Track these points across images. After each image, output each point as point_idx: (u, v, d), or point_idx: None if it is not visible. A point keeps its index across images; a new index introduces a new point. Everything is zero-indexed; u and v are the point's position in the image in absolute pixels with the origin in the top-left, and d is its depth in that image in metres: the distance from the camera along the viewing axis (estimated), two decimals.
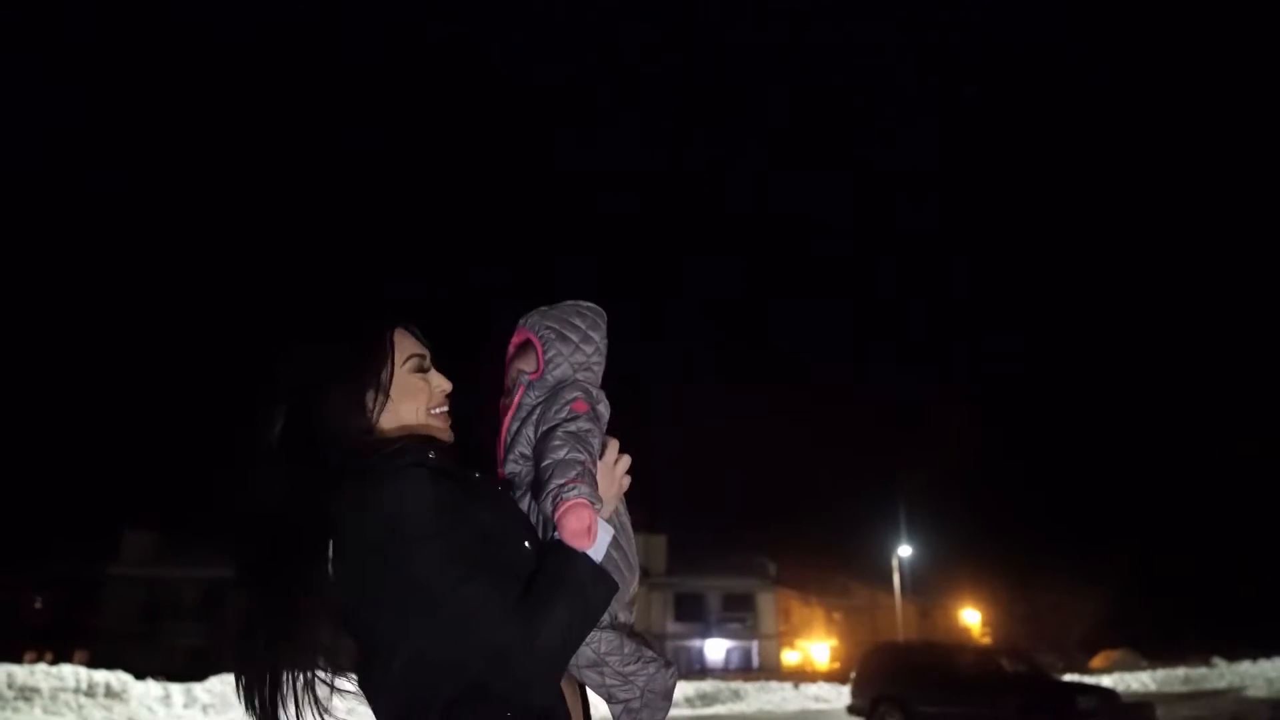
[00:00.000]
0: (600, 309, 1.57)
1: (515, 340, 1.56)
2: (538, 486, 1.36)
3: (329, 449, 1.34)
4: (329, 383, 1.38)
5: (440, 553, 1.24)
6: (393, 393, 1.41)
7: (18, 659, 15.95)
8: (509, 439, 1.48)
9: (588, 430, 1.41)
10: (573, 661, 1.36)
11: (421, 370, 1.47)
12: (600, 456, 1.43)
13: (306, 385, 1.38)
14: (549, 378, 1.48)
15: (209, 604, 38.53)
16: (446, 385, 1.50)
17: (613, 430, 1.50)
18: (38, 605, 42.55)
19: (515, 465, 1.47)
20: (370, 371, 1.40)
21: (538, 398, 1.48)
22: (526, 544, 1.38)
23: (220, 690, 15.60)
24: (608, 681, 1.39)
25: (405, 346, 1.46)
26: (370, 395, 1.40)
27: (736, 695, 23.67)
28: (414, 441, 1.38)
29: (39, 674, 14.03)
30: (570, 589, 1.29)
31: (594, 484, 1.35)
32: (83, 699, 14.08)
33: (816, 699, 24.05)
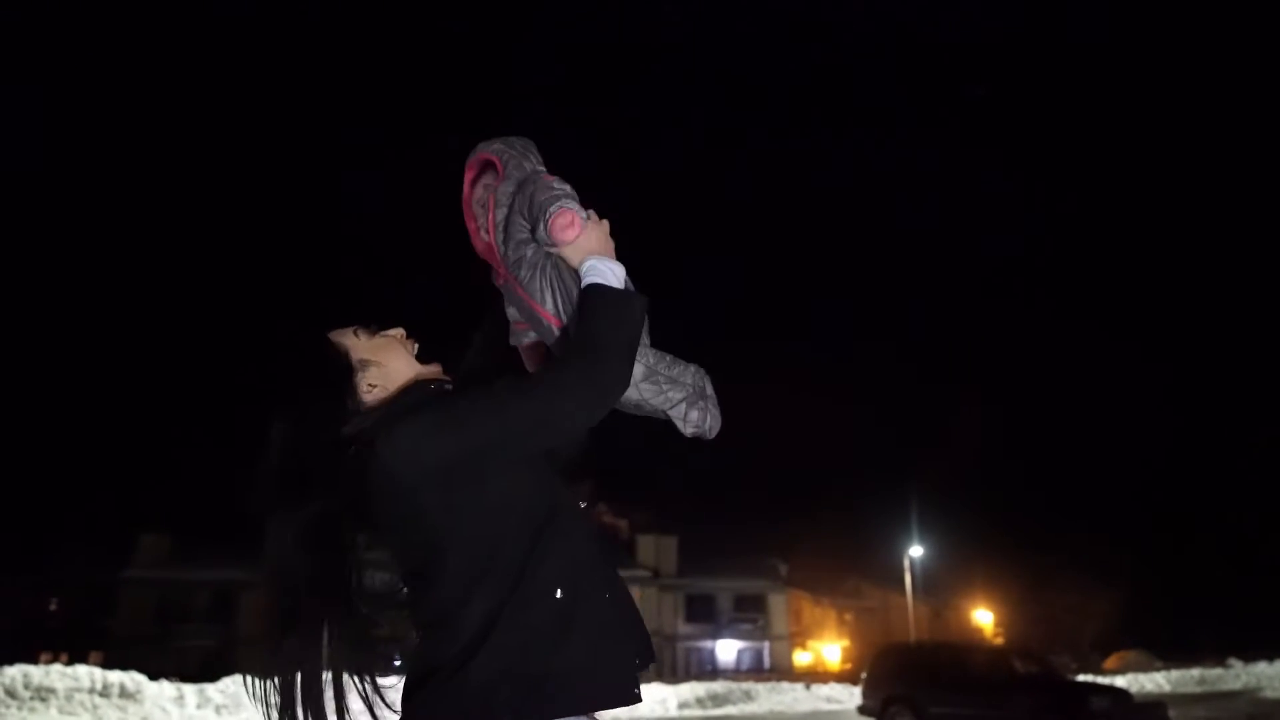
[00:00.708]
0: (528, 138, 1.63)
1: (469, 177, 1.60)
2: (534, 229, 1.46)
3: (335, 442, 1.40)
4: (310, 403, 1.44)
5: (473, 396, 1.33)
6: (371, 360, 1.47)
7: (34, 660, 16.07)
8: (500, 235, 1.52)
9: (563, 188, 1.48)
10: (631, 380, 1.43)
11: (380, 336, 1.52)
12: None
13: (296, 403, 1.44)
14: (513, 175, 1.54)
15: (222, 606, 38.73)
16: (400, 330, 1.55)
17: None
18: (53, 607, 42.87)
19: (520, 250, 1.50)
20: (336, 392, 1.45)
21: (511, 192, 1.52)
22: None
23: (233, 691, 15.69)
24: (664, 388, 1.49)
25: (358, 350, 1.49)
26: (350, 397, 1.45)
27: (748, 696, 23.62)
28: (405, 388, 1.46)
29: (54, 675, 14.14)
30: (609, 313, 1.37)
31: (572, 195, 1.45)
32: (97, 699, 14.18)
33: (828, 700, 23.98)
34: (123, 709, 14.26)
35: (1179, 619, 45.02)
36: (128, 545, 42.16)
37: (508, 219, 1.50)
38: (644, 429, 1.57)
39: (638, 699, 1.33)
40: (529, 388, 1.33)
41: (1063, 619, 47.80)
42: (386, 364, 1.48)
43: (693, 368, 1.53)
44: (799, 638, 51.46)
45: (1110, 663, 39.20)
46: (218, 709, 15.52)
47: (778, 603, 49.78)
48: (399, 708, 1.32)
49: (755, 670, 44.67)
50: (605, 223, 1.51)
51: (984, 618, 56.09)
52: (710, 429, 1.51)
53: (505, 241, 1.50)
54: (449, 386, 1.52)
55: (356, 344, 1.48)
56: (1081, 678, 21.89)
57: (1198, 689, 25.53)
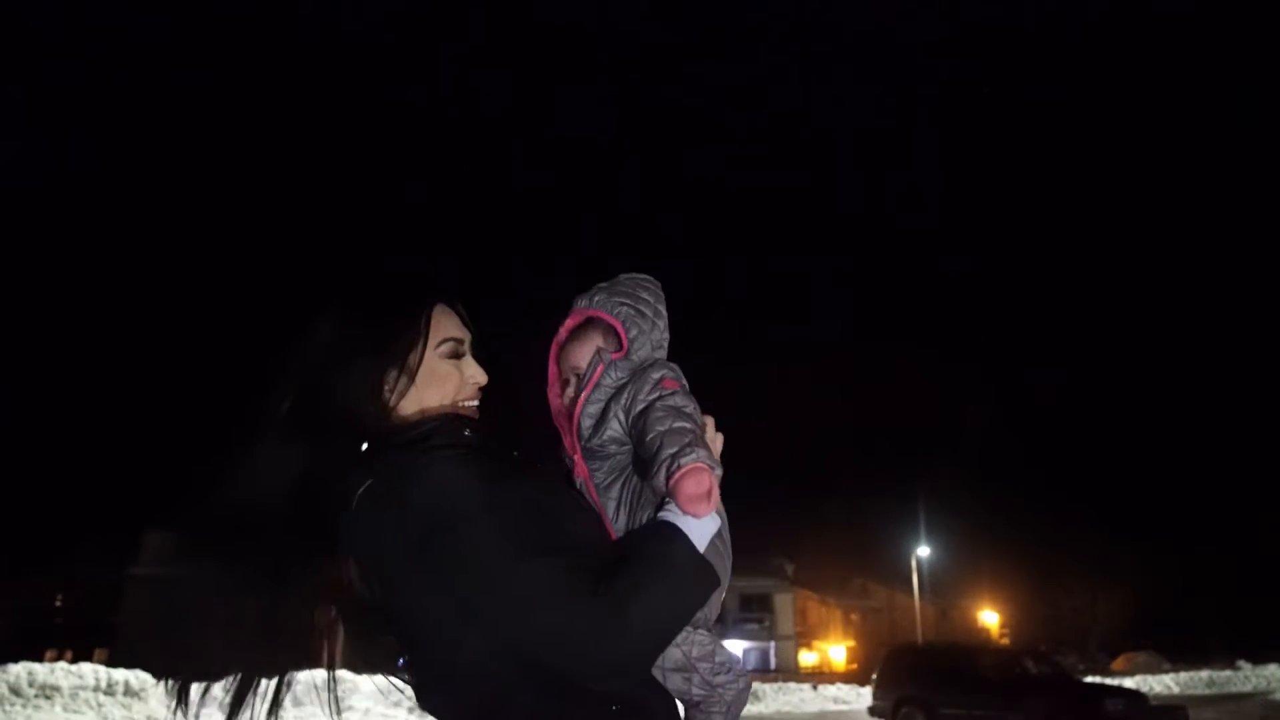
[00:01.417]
0: (655, 279, 1.44)
1: (571, 323, 1.42)
2: (646, 464, 1.24)
3: (339, 432, 1.23)
4: (347, 358, 1.25)
5: (492, 529, 1.11)
6: (419, 377, 1.28)
7: (39, 657, 16.03)
8: (588, 420, 1.34)
9: (686, 404, 1.29)
10: (657, 663, 1.23)
11: (456, 356, 1.32)
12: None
13: (321, 360, 1.26)
14: (634, 357, 1.36)
15: None
16: (481, 377, 1.35)
17: None
18: (58, 604, 43.02)
19: (604, 449, 1.33)
20: (396, 350, 1.26)
21: (620, 378, 1.35)
22: (584, 526, 1.26)
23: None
24: (694, 690, 1.26)
25: (444, 327, 1.32)
26: (393, 375, 1.27)
27: (755, 696, 23.54)
28: (446, 420, 1.27)
29: (59, 672, 14.09)
30: (668, 573, 1.14)
31: (708, 449, 1.22)
32: (102, 697, 14.14)
33: (835, 700, 23.92)
34: (128, 707, 14.21)
35: (1188, 621, 44.85)
36: (134, 542, 42.27)
37: (605, 411, 1.32)
38: None
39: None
40: (543, 581, 1.10)
41: (1070, 620, 47.70)
42: (423, 390, 1.30)
43: (742, 681, 1.29)
44: (805, 637, 51.37)
45: (1118, 664, 38.98)
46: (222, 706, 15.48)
47: (784, 602, 49.69)
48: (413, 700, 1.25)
49: (761, 670, 44.62)
50: (720, 437, 1.32)
51: (990, 618, 55.99)
52: None
53: (594, 428, 1.33)
54: (480, 434, 1.31)
55: (432, 352, 1.31)
56: (1090, 679, 21.75)
57: (1207, 691, 25.41)
